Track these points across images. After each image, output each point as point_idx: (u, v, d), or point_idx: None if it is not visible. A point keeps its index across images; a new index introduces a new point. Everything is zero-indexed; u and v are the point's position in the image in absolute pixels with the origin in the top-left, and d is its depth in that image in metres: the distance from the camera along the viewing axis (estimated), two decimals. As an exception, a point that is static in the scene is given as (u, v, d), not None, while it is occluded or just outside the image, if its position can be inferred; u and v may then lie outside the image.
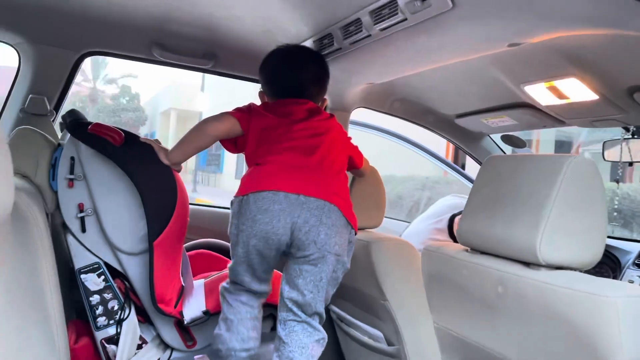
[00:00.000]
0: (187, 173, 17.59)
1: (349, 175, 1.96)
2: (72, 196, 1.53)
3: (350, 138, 1.66)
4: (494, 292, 1.20)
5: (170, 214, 1.58)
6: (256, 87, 1.72)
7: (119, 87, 24.18)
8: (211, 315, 1.61)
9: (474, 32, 1.36)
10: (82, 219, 1.54)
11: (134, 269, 1.58)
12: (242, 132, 1.46)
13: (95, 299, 1.56)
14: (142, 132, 22.16)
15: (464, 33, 1.38)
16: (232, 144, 1.50)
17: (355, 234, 1.50)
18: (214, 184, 19.69)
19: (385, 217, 2.01)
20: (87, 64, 23.08)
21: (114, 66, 23.95)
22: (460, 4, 1.20)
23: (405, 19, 1.35)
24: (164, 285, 1.58)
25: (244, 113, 1.46)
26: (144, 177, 1.53)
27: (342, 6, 1.48)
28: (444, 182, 9.61)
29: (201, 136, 1.46)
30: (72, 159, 1.54)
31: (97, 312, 1.56)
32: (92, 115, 21.96)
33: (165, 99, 21.14)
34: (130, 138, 1.56)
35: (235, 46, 1.97)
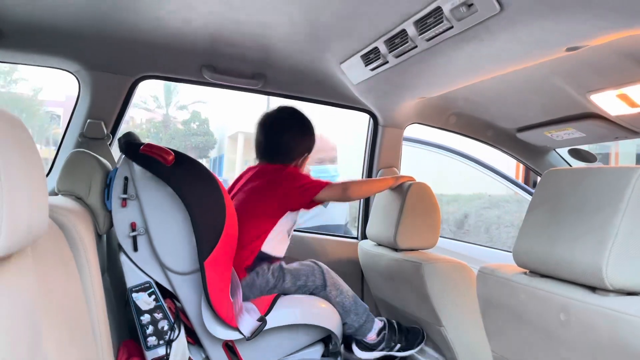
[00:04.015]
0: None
1: (399, 192, 1.89)
2: (125, 215, 1.56)
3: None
4: (556, 319, 1.08)
5: (219, 233, 1.57)
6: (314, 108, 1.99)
7: (190, 113, 25.21)
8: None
9: (527, 36, 1.26)
10: (134, 238, 1.56)
11: (184, 289, 1.58)
12: None
13: (145, 318, 1.56)
14: (212, 155, 22.97)
15: (516, 38, 1.29)
16: None
17: None
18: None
19: (452, 239, 1.92)
20: (160, 91, 24.38)
21: (185, 93, 25.08)
22: (508, 6, 1.12)
23: (452, 27, 1.29)
24: (216, 305, 1.57)
25: None
26: (193, 196, 1.54)
27: (386, 18, 1.44)
28: (514, 201, 9.19)
29: None
30: (126, 178, 1.57)
31: (148, 331, 1.56)
32: (165, 140, 23.03)
33: (232, 123, 21.81)
34: (181, 158, 1.58)
35: (283, 66, 1.97)
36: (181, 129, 25.05)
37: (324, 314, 1.72)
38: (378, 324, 1.82)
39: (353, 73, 1.87)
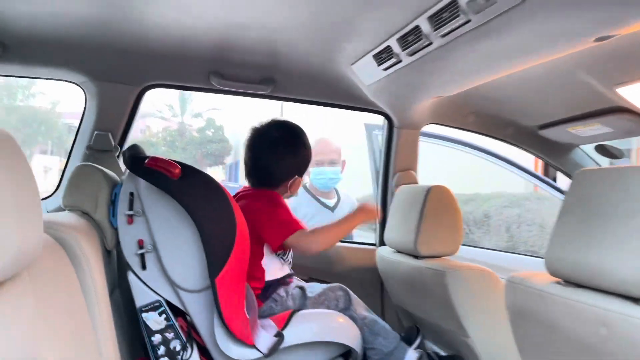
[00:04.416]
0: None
1: (418, 196, 1.81)
2: (131, 232, 1.51)
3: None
4: (595, 334, 0.99)
5: (230, 248, 1.51)
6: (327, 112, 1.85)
7: (205, 120, 25.39)
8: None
9: (551, 27, 1.18)
10: (142, 256, 1.51)
11: (196, 307, 1.52)
12: None
13: (156, 338, 1.50)
14: (228, 162, 23.05)
15: (540, 30, 1.20)
16: None
17: None
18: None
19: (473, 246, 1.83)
20: (175, 100, 24.61)
21: (199, 101, 25.28)
22: (531, -5, 1.04)
23: (469, 21, 1.20)
24: (230, 322, 1.50)
25: None
26: (201, 211, 1.48)
27: (398, 15, 1.36)
28: (534, 198, 9.02)
29: None
30: (132, 194, 1.51)
31: (159, 352, 1.50)
32: (180, 148, 23.21)
33: (247, 129, 21.81)
34: (188, 171, 1.52)
35: (292, 69, 1.91)
36: (197, 136, 25.22)
37: (343, 330, 1.64)
38: (412, 355, 1.68)
39: (365, 74, 1.80)
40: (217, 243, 1.48)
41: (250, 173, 1.83)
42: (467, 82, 1.75)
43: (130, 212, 1.50)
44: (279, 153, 1.77)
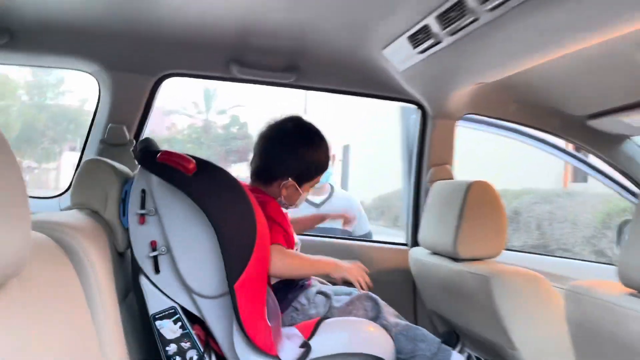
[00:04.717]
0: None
1: (457, 192, 1.64)
2: (143, 233, 1.38)
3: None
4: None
5: (250, 251, 1.37)
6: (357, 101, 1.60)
7: (229, 117, 25.52)
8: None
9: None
10: (155, 259, 1.38)
11: (214, 315, 1.39)
12: None
13: (172, 348, 1.38)
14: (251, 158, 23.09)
15: (598, 2, 1.03)
16: None
17: None
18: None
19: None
20: (199, 96, 24.80)
21: (224, 97, 25.44)
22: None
23: (521, -9, 1.04)
24: (250, 331, 1.37)
25: None
26: (218, 209, 1.34)
27: (439, -12, 1.20)
28: (565, 195, 8.75)
29: None
30: (143, 192, 1.39)
31: (175, 363, 1.38)
32: (205, 145, 23.35)
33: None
34: (203, 166, 1.38)
35: (318, 56, 1.79)
36: (221, 133, 25.33)
37: (375, 340, 1.49)
38: (458, 358, 1.52)
39: (398, 58, 1.64)
40: (236, 245, 1.35)
41: (250, 166, 1.68)
42: (512, 66, 1.58)
43: (142, 211, 1.37)
44: (278, 146, 1.60)
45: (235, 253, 1.35)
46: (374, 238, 2.53)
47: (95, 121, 1.86)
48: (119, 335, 1.16)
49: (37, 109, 20.13)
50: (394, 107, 2.21)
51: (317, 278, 1.73)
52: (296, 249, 1.67)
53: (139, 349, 1.44)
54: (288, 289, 1.61)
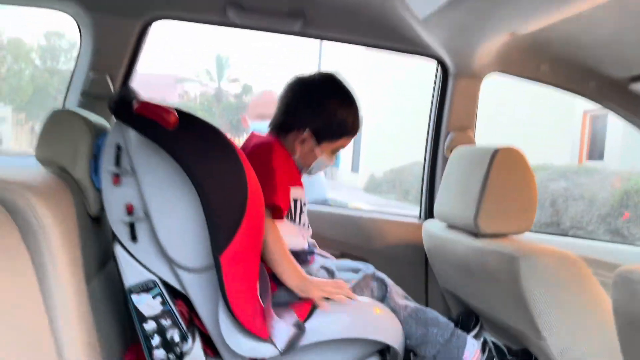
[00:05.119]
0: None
1: (481, 160, 1.44)
2: (118, 195, 1.20)
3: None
4: None
5: (239, 218, 1.19)
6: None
7: (242, 86, 25.32)
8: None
9: None
10: (131, 225, 1.20)
11: (198, 290, 1.22)
12: None
13: (150, 326, 1.21)
14: (265, 129, 23.08)
15: None
16: None
17: None
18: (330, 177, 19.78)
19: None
20: (212, 65, 24.54)
21: (237, 66, 25.26)
22: None
23: None
24: (238, 311, 1.19)
25: None
26: (202, 169, 1.16)
27: None
28: (582, 172, 8.55)
29: None
30: (119, 147, 1.20)
31: (153, 342, 1.21)
32: (217, 114, 23.18)
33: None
34: (187, 120, 1.19)
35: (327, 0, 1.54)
36: (234, 102, 25.14)
37: (381, 324, 1.31)
38: (474, 343, 1.37)
39: (420, 3, 1.42)
40: (223, 211, 1.17)
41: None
42: (551, 13, 1.34)
43: (117, 170, 1.19)
44: (300, 94, 1.45)
45: (222, 220, 1.16)
46: (385, 210, 2.35)
47: (75, 71, 1.66)
48: (80, 318, 0.99)
49: (50, 74, 20.03)
50: (412, 70, 1.98)
51: (321, 251, 1.55)
52: (302, 211, 1.48)
53: (119, 324, 1.29)
54: None
